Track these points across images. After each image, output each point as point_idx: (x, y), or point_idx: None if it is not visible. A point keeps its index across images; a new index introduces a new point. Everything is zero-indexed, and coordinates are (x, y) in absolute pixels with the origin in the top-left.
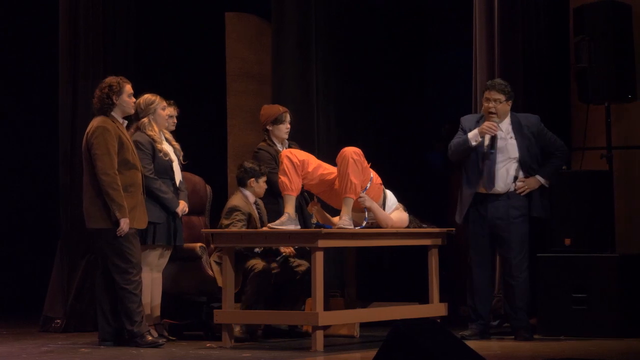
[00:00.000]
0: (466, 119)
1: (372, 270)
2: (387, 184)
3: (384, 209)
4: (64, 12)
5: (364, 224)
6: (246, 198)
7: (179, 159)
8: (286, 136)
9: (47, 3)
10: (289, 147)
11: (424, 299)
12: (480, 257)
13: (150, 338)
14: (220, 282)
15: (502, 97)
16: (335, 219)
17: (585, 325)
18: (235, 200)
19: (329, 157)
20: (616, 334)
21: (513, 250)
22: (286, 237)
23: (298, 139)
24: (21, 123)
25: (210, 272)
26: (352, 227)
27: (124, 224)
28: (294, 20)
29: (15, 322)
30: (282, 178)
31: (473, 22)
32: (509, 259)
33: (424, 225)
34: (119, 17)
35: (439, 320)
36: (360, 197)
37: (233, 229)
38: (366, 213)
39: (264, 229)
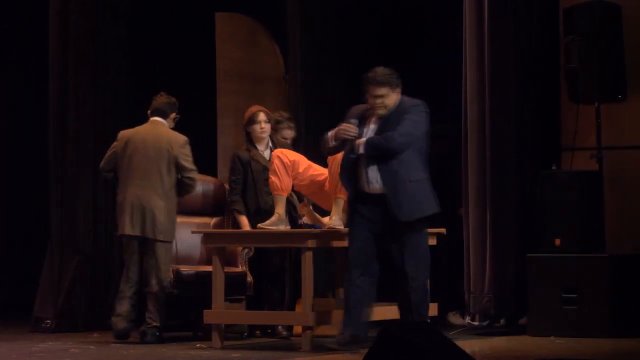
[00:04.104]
0: (354, 110)
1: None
2: None
3: None
4: (54, 11)
5: None
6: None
7: None
8: (263, 136)
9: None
10: (275, 148)
11: None
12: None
13: None
14: None
15: (387, 90)
16: (326, 220)
17: (576, 326)
18: (176, 133)
19: (322, 158)
20: (606, 334)
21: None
22: (277, 237)
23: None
24: (11, 122)
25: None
26: (342, 227)
27: None
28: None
29: (6, 323)
30: (273, 178)
31: (463, 22)
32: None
33: None
34: (110, 16)
35: (428, 321)
36: None
37: (193, 163)
38: None
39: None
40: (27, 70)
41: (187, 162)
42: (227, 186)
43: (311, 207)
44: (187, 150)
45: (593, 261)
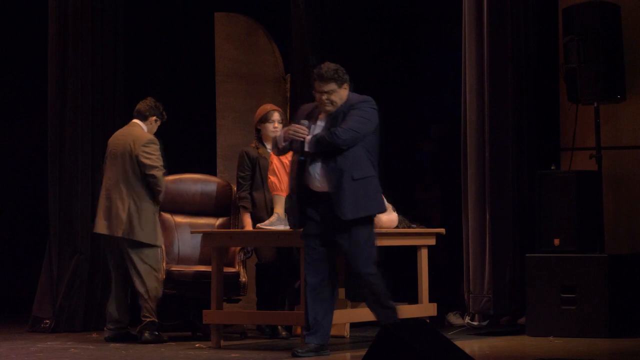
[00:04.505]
0: (300, 110)
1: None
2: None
3: None
4: (52, 11)
5: None
6: (146, 132)
7: None
8: (274, 135)
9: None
10: None
11: (413, 299)
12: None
13: None
14: None
15: (334, 86)
16: None
17: (574, 325)
18: (145, 133)
19: None
20: (605, 333)
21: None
22: (275, 237)
23: None
24: (10, 122)
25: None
26: None
27: None
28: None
29: (4, 323)
30: (272, 178)
31: (462, 21)
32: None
33: (413, 225)
34: (108, 17)
35: (428, 321)
36: None
37: (158, 161)
38: None
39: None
40: (27, 69)
41: (148, 159)
42: (234, 187)
43: None
44: (150, 149)
45: (592, 261)
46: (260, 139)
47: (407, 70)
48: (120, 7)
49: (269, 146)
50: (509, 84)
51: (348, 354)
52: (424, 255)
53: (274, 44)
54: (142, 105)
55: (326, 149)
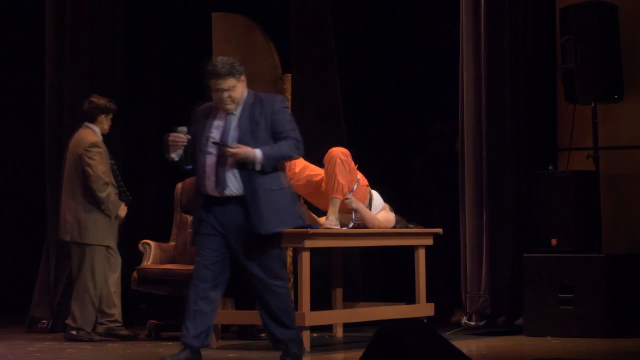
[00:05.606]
0: (195, 114)
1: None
2: (375, 185)
3: (370, 209)
4: (49, 13)
5: (351, 225)
6: (96, 134)
7: None
8: None
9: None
10: None
11: (411, 299)
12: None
13: None
14: None
15: (233, 81)
16: (322, 219)
17: (572, 325)
18: (91, 136)
19: (317, 158)
20: (603, 333)
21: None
22: None
23: None
24: (7, 122)
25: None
26: (338, 227)
27: None
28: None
29: (2, 323)
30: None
31: (460, 21)
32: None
33: (410, 226)
34: (106, 17)
35: (425, 321)
36: (346, 198)
37: (100, 167)
38: (353, 214)
39: None
40: (26, 69)
41: (88, 166)
42: None
43: (307, 207)
44: (91, 153)
45: (589, 261)
46: None
47: (407, 70)
48: (118, 7)
49: None
50: (506, 83)
51: (341, 354)
52: (421, 255)
53: (271, 44)
54: (85, 108)
55: (277, 163)
